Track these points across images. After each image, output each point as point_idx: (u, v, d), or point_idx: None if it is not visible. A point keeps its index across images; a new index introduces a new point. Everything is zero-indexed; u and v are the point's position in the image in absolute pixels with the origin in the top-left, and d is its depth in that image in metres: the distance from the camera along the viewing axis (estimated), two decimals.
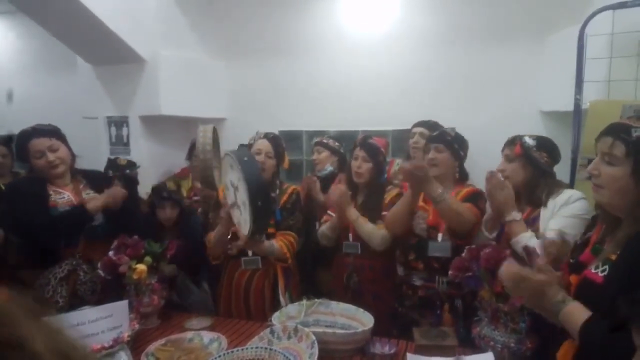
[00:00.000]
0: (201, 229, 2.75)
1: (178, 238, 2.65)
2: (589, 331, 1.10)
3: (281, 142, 2.50)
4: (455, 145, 2.26)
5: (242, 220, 2.07)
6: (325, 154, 3.07)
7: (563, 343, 1.27)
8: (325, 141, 3.10)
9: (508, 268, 1.30)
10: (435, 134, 2.35)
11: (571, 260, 1.36)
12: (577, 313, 1.14)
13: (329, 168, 3.02)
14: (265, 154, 2.39)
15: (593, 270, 1.23)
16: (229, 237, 2.29)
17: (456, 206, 2.07)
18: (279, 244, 2.28)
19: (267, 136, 2.46)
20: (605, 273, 1.19)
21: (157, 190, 2.82)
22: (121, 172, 2.95)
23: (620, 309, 0.83)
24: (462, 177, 2.33)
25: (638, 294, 0.81)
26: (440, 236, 2.19)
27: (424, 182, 2.06)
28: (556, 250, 1.65)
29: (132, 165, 3.19)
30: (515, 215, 1.86)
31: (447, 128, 2.52)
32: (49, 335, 0.54)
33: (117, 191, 2.28)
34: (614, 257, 1.19)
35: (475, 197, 2.19)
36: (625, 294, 0.85)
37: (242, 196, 1.97)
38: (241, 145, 2.85)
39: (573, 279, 1.29)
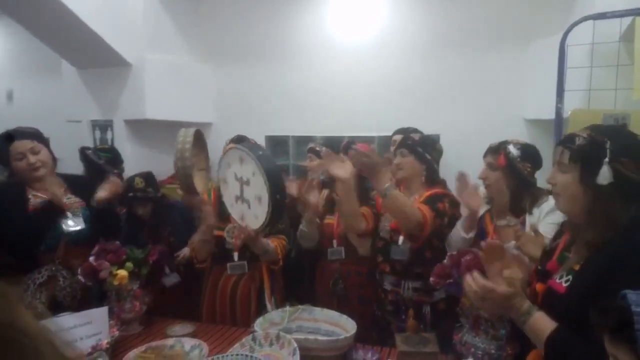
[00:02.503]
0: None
1: (157, 229, 2.77)
2: (554, 343, 1.11)
3: (246, 140, 2.49)
4: (419, 149, 2.26)
5: (251, 214, 2.04)
6: (317, 162, 3.06)
7: (530, 352, 1.28)
8: (318, 149, 3.09)
9: (470, 285, 1.29)
10: (399, 140, 2.39)
11: (539, 267, 1.38)
12: (542, 324, 1.15)
13: (320, 177, 3.02)
14: None
15: (557, 280, 1.24)
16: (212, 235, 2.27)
17: (400, 202, 2.02)
18: (274, 244, 2.27)
19: (234, 140, 2.47)
20: (569, 283, 1.20)
21: (126, 191, 2.77)
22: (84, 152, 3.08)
23: (591, 318, 0.84)
24: (430, 180, 2.32)
25: (608, 302, 0.82)
26: (401, 239, 2.20)
27: (373, 170, 1.99)
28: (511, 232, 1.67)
29: (107, 150, 3.23)
30: (511, 220, 1.86)
31: (417, 134, 2.52)
32: (35, 321, 0.59)
33: (116, 181, 2.32)
34: (577, 267, 1.21)
35: (434, 199, 2.18)
36: (587, 304, 0.86)
37: (257, 190, 1.95)
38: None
39: (539, 287, 1.30)
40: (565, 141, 1.24)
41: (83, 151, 3.12)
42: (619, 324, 0.79)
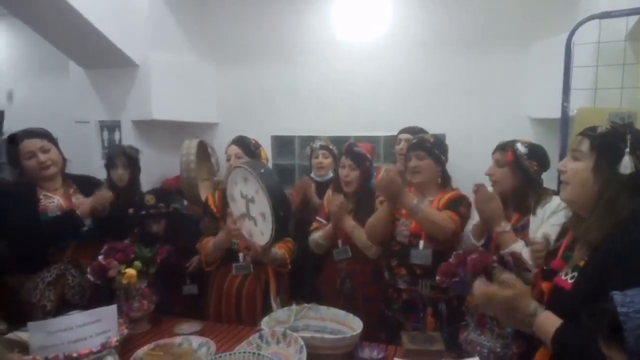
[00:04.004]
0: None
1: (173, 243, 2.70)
2: (560, 339, 1.11)
3: (248, 141, 2.51)
4: (436, 150, 2.26)
5: (257, 231, 2.08)
6: (330, 159, 3.08)
7: (538, 349, 1.29)
8: (331, 147, 3.12)
9: (477, 289, 1.31)
10: (414, 141, 2.33)
11: (545, 268, 1.39)
12: (549, 322, 1.15)
13: (330, 174, 3.05)
14: (234, 155, 2.42)
15: (563, 277, 1.25)
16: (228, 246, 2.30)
17: (432, 216, 2.06)
18: (282, 251, 2.29)
19: (234, 141, 2.49)
20: (574, 280, 1.21)
21: (138, 210, 2.79)
22: (122, 151, 3.01)
23: (585, 322, 0.85)
24: (445, 181, 2.33)
25: (601, 306, 0.82)
26: (421, 243, 2.18)
27: (398, 195, 2.06)
28: (542, 250, 1.68)
29: (134, 150, 3.20)
30: (505, 226, 1.86)
31: (429, 134, 2.51)
32: None
33: (104, 195, 2.28)
34: (582, 263, 1.21)
35: (456, 203, 2.19)
36: (592, 301, 0.86)
37: (261, 207, 1.99)
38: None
39: (545, 286, 1.31)
40: (586, 130, 1.27)
41: (127, 153, 3.05)
42: (610, 326, 0.79)
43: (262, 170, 1.99)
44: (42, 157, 2.16)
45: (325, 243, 2.50)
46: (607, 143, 1.19)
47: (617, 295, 0.80)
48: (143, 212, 2.74)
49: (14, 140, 2.18)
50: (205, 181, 3.07)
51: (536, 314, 1.18)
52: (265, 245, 2.07)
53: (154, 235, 2.76)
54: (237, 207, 2.18)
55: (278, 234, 1.99)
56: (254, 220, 2.09)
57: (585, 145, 1.24)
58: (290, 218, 2.26)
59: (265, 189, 1.90)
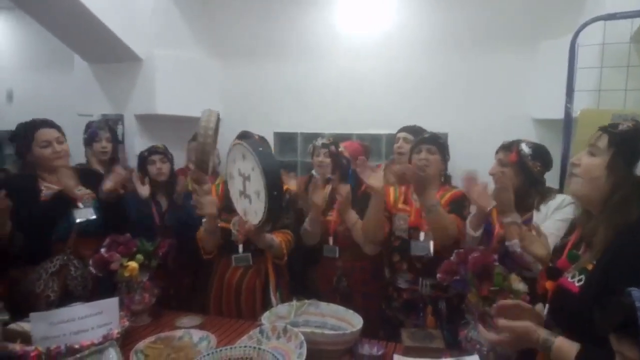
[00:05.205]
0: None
1: (168, 199, 2.88)
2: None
3: (251, 136, 2.52)
4: (444, 148, 2.29)
5: (252, 210, 2.08)
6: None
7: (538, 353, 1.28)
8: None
9: (483, 337, 1.32)
10: (427, 135, 2.36)
11: (550, 265, 1.38)
12: (565, 349, 1.12)
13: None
14: None
15: (570, 280, 1.23)
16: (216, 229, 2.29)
17: (444, 220, 2.07)
18: (279, 239, 2.28)
19: (238, 136, 2.50)
20: (582, 283, 1.18)
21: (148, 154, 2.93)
22: (106, 124, 3.22)
23: (596, 317, 0.85)
24: (446, 180, 2.36)
25: (608, 300, 0.82)
26: (422, 235, 2.19)
27: (426, 184, 2.03)
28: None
29: (114, 123, 3.42)
30: (516, 217, 1.87)
31: (425, 131, 2.53)
32: None
33: (122, 172, 2.33)
34: (590, 266, 1.19)
35: (459, 206, 2.20)
36: (600, 305, 0.86)
37: (256, 186, 1.99)
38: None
39: (549, 284, 1.29)
40: (607, 126, 1.24)
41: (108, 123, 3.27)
42: (624, 320, 0.79)
43: (260, 149, 1.99)
44: (58, 147, 2.20)
45: (311, 228, 2.48)
46: (627, 141, 1.17)
47: (635, 291, 0.81)
48: (152, 149, 2.89)
49: (30, 127, 2.19)
50: (211, 155, 3.13)
51: (549, 343, 1.15)
52: (257, 224, 2.05)
53: (157, 173, 2.85)
54: (234, 185, 2.19)
55: (271, 214, 1.98)
56: (249, 198, 2.09)
57: (603, 141, 1.21)
58: (283, 200, 2.26)
59: (261, 166, 1.91)
